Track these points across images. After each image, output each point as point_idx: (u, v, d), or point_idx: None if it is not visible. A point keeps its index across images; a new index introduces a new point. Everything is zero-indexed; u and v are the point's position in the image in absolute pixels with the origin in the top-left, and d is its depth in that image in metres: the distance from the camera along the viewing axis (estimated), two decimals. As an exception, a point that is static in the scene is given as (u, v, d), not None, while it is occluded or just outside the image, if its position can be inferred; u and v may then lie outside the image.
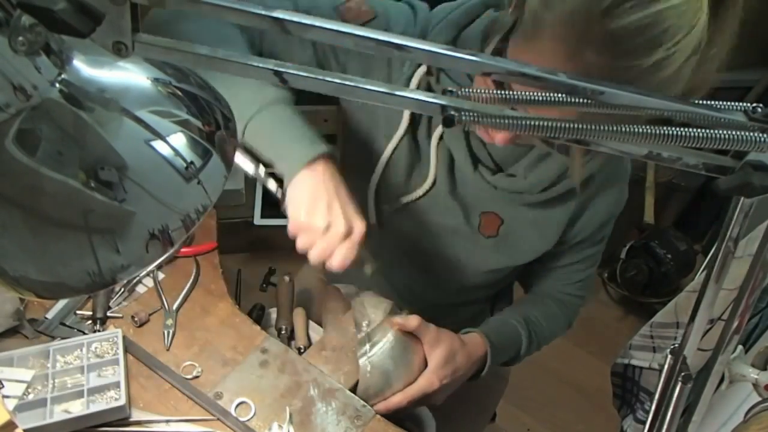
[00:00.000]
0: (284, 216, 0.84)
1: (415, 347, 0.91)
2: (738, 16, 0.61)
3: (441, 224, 0.95)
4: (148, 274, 0.96)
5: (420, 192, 0.92)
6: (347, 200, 0.80)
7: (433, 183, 0.91)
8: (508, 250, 0.96)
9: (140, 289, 0.95)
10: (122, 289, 0.94)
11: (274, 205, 0.87)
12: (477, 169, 0.88)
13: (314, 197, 0.78)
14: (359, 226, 0.79)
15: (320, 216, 0.77)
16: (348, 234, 0.78)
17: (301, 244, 0.79)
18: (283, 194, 0.80)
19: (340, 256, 0.77)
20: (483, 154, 0.87)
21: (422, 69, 0.83)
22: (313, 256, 0.78)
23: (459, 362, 0.93)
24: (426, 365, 0.91)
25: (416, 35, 0.82)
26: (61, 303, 0.90)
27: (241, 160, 0.79)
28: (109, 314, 0.90)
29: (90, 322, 0.89)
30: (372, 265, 0.85)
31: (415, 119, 0.88)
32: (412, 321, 0.89)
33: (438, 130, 0.87)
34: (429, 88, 0.84)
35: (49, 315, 0.89)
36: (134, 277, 0.95)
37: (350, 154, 0.98)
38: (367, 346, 0.89)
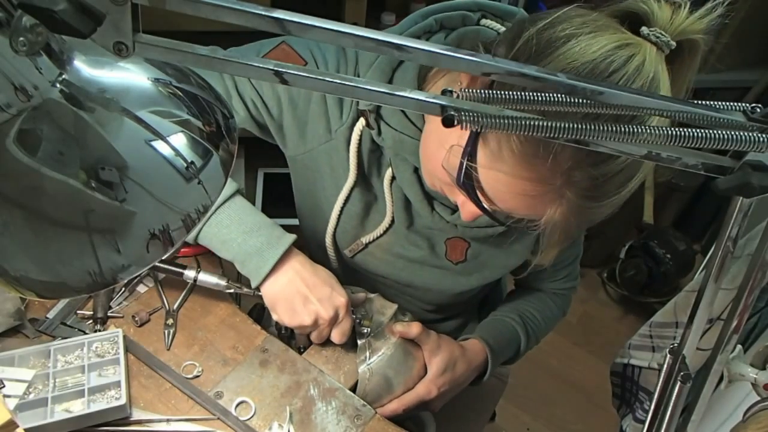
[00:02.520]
0: (287, 216, 0.87)
1: (415, 354, 0.91)
2: (695, 66, 0.61)
3: (406, 256, 0.93)
4: (148, 274, 0.96)
5: (379, 231, 0.91)
6: (320, 283, 0.85)
7: (392, 221, 0.90)
8: (477, 271, 0.94)
9: (141, 288, 0.95)
10: (123, 289, 0.94)
11: (274, 205, 0.88)
12: (434, 210, 0.85)
13: (289, 300, 0.84)
14: (341, 302, 0.85)
15: (303, 315, 0.84)
16: (335, 316, 0.85)
17: (299, 333, 0.89)
18: (257, 294, 0.87)
19: (337, 336, 0.87)
20: (438, 194, 0.83)
21: (361, 122, 0.81)
22: (315, 341, 0.89)
23: (458, 370, 0.92)
24: (426, 372, 0.91)
25: (351, 71, 0.80)
26: (62, 303, 0.90)
27: (208, 278, 0.90)
28: (109, 314, 0.90)
29: (91, 321, 0.89)
30: (369, 321, 0.91)
31: (362, 166, 0.85)
32: (414, 329, 0.89)
33: (388, 173, 0.85)
34: (372, 141, 0.82)
35: (50, 315, 0.89)
36: (135, 277, 0.95)
37: (302, 209, 0.99)
38: (368, 353, 0.89)
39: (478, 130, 0.40)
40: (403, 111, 0.78)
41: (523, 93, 0.41)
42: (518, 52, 0.58)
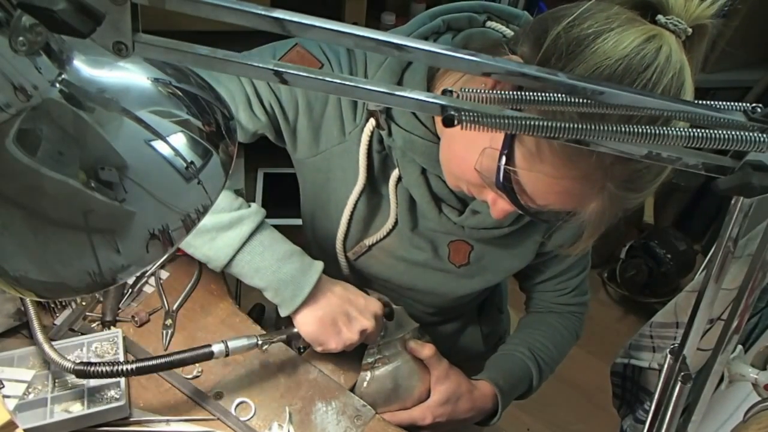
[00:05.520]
0: (287, 216, 0.86)
1: (422, 376, 0.90)
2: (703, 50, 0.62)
3: (409, 259, 0.92)
4: (152, 274, 0.96)
5: (383, 233, 0.90)
6: (353, 296, 0.85)
7: (395, 223, 0.89)
8: (480, 274, 0.94)
9: (147, 289, 0.95)
10: (130, 291, 0.93)
11: (274, 205, 0.87)
12: (442, 212, 0.85)
13: (332, 323, 0.83)
14: (377, 307, 0.86)
15: (349, 334, 0.83)
16: (377, 323, 0.85)
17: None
18: (291, 334, 0.86)
19: (373, 338, 0.87)
20: (445, 193, 0.84)
21: (371, 123, 0.81)
22: (347, 349, 0.86)
23: (461, 407, 0.91)
24: (427, 397, 0.90)
25: (362, 72, 0.80)
26: (69, 309, 0.90)
27: (238, 344, 0.83)
28: (117, 318, 0.90)
29: (98, 324, 0.89)
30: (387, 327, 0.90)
31: (371, 168, 0.85)
32: (426, 350, 0.88)
33: (394, 173, 0.84)
34: (381, 141, 0.82)
35: (58, 321, 0.88)
36: (142, 279, 0.95)
37: (309, 212, 0.98)
38: (375, 359, 0.88)
39: (481, 129, 0.39)
40: (412, 111, 0.78)
41: (523, 93, 0.41)
42: (548, 51, 0.58)
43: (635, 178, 0.60)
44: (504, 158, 0.62)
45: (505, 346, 1.04)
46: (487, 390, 0.94)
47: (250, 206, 0.84)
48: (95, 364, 0.75)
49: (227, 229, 0.80)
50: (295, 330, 0.84)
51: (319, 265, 0.84)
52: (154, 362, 0.77)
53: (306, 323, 0.83)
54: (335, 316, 0.83)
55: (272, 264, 0.82)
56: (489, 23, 0.79)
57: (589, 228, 0.67)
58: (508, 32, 0.78)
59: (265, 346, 0.84)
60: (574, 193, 0.62)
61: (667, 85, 0.55)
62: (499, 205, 0.70)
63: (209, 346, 0.81)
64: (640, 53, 0.55)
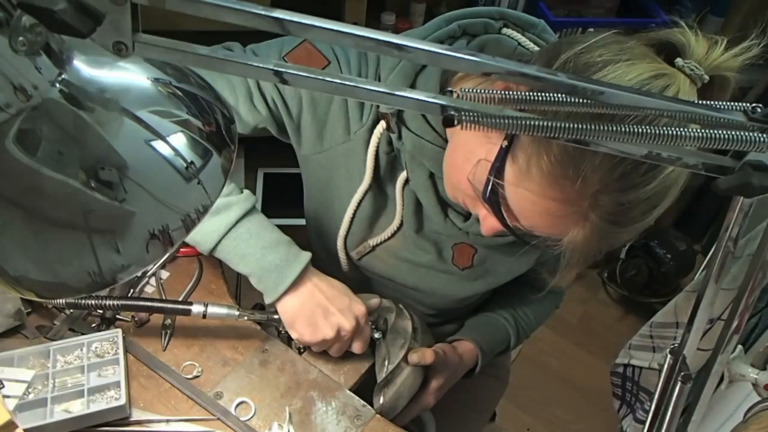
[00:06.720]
0: (287, 216, 0.86)
1: (422, 373, 0.92)
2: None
3: (413, 261, 0.93)
4: (152, 275, 0.96)
5: (387, 234, 0.91)
6: (338, 294, 0.85)
7: (400, 225, 0.89)
8: (484, 277, 0.94)
9: (147, 289, 0.95)
10: (132, 291, 0.93)
11: (274, 205, 0.87)
12: (447, 216, 0.85)
13: (310, 315, 0.84)
14: (361, 310, 0.85)
15: (325, 329, 0.83)
16: (357, 325, 0.85)
17: (317, 350, 0.88)
18: (271, 318, 0.87)
19: (359, 346, 0.88)
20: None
21: (381, 125, 0.81)
22: (334, 355, 0.88)
23: (451, 380, 0.95)
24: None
25: (372, 74, 0.80)
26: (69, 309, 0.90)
27: (218, 310, 0.85)
28: (118, 317, 0.90)
29: (99, 321, 0.89)
30: (384, 326, 0.91)
31: (378, 169, 0.85)
32: (428, 358, 0.89)
33: (402, 176, 0.84)
34: (390, 143, 0.82)
35: (57, 321, 0.88)
36: (144, 279, 0.95)
37: (312, 209, 0.98)
38: (385, 381, 0.88)
39: (480, 129, 0.39)
40: (423, 115, 0.78)
41: (522, 93, 0.41)
42: None
43: (620, 212, 0.59)
44: (494, 171, 0.62)
45: (489, 313, 1.07)
46: (470, 351, 0.99)
47: (241, 192, 0.84)
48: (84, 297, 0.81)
49: (215, 215, 0.81)
50: (277, 315, 0.86)
51: (305, 256, 0.85)
52: (136, 302, 0.86)
53: (285, 311, 0.84)
54: (313, 309, 0.83)
55: (257, 251, 0.82)
56: (505, 30, 0.79)
57: (572, 258, 0.66)
58: (524, 40, 0.78)
59: (243, 318, 0.86)
60: (557, 216, 0.62)
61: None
62: (489, 222, 0.70)
63: (190, 303, 0.84)
64: (643, 88, 0.54)
